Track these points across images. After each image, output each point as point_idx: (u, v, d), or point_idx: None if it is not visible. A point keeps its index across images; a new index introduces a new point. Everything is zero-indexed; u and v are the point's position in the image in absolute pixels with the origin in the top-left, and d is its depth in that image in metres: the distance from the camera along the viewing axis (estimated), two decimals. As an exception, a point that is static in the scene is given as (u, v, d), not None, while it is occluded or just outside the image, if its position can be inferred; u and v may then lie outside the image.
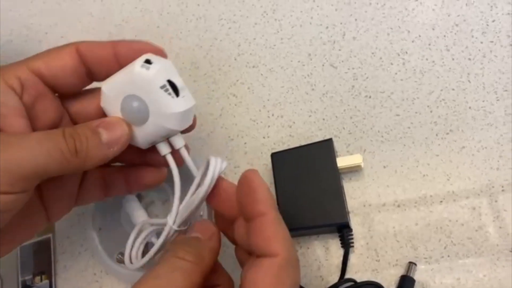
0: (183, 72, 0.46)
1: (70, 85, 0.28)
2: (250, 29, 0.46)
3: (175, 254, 0.25)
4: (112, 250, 0.39)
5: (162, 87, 0.26)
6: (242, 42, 0.45)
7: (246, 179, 0.26)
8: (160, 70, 0.26)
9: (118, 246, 0.39)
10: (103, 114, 0.29)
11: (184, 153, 0.29)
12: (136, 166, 0.33)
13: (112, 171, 0.33)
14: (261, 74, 0.44)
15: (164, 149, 0.29)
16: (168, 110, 0.26)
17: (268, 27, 0.45)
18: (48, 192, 0.29)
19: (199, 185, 0.28)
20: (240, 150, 0.42)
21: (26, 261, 0.42)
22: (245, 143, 0.42)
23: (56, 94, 0.29)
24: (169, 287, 0.23)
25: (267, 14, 0.46)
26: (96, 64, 0.28)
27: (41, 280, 0.42)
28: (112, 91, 0.27)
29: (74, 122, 0.30)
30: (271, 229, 0.25)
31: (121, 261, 0.39)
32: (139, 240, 0.32)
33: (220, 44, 0.46)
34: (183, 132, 0.29)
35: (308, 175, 0.36)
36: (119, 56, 0.28)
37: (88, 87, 0.30)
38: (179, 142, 0.29)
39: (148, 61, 0.26)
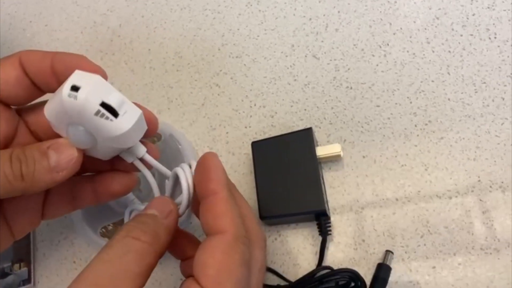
0: (166, 61, 0.46)
1: (17, 96, 0.26)
2: (234, 19, 0.46)
3: (129, 233, 0.23)
4: (96, 225, 0.39)
5: (97, 113, 0.23)
6: (226, 32, 0.45)
7: (203, 159, 0.26)
8: (89, 96, 0.23)
9: (101, 220, 0.39)
10: None
11: (149, 159, 0.28)
12: (104, 174, 0.30)
13: (79, 182, 0.31)
14: (244, 65, 0.44)
15: (129, 158, 0.28)
16: (111, 134, 0.24)
17: (252, 17, 0.45)
18: (10, 208, 0.28)
19: (172, 195, 0.29)
20: (222, 139, 0.42)
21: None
22: (227, 133, 0.42)
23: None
24: (121, 272, 0.22)
25: (251, 5, 0.46)
26: (36, 75, 0.26)
27: (20, 267, 0.41)
28: (54, 118, 0.25)
29: (34, 132, 0.29)
30: (220, 207, 0.25)
31: (104, 235, 0.39)
32: None
33: (204, 34, 0.46)
34: (144, 137, 0.27)
35: (288, 163, 0.36)
36: (55, 69, 0.26)
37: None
38: (139, 151, 0.27)
39: (74, 88, 0.23)
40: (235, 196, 0.27)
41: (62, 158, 0.25)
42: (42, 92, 0.27)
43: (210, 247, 0.24)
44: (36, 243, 0.42)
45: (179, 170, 0.27)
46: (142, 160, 0.28)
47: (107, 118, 0.23)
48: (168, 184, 0.28)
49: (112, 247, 0.23)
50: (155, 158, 0.28)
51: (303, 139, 0.36)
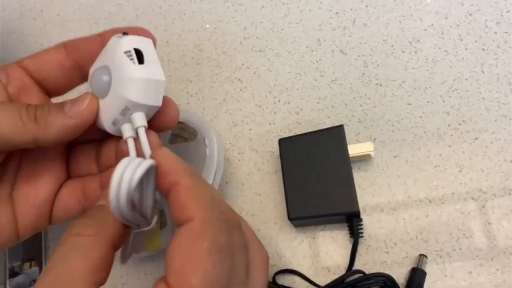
0: (185, 54, 0.44)
1: (56, 79, 0.27)
2: (257, 12, 0.44)
3: (71, 231, 0.22)
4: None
5: (126, 52, 0.24)
6: (249, 25, 0.44)
7: (153, 157, 0.23)
8: (131, 40, 0.24)
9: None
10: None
11: (141, 132, 0.25)
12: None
13: (90, 181, 0.29)
14: (268, 59, 0.42)
15: (127, 131, 0.25)
16: (127, 75, 0.24)
17: (276, 10, 0.44)
18: (20, 193, 0.27)
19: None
20: (245, 136, 0.40)
21: (15, 246, 0.40)
22: (250, 129, 0.40)
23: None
24: (67, 272, 0.20)
25: (274, -2, 0.44)
26: (85, 57, 0.26)
27: (31, 266, 0.39)
28: (92, 69, 0.26)
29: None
30: (184, 196, 0.22)
31: None
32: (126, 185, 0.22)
33: (225, 27, 0.44)
34: (159, 129, 0.26)
35: (317, 162, 0.34)
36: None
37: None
38: (139, 120, 0.25)
39: (125, 33, 0.25)
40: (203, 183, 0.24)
41: (77, 105, 0.24)
42: (83, 80, 0.28)
43: (176, 239, 0.21)
44: (48, 241, 0.40)
45: (122, 162, 0.22)
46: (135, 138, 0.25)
47: (132, 59, 0.24)
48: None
49: (56, 250, 0.21)
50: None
51: (334, 137, 0.34)
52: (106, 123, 0.25)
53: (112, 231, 0.22)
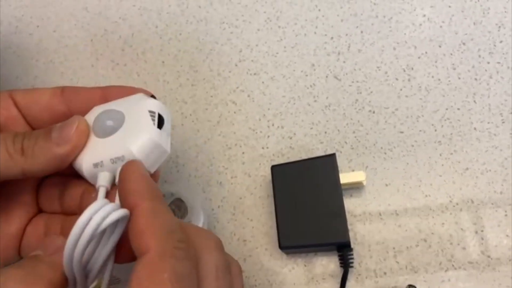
0: (180, 75, 0.44)
1: (43, 120, 0.27)
2: (252, 35, 0.44)
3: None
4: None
5: (151, 112, 0.25)
6: (244, 48, 0.44)
7: (121, 170, 0.23)
8: (158, 104, 0.25)
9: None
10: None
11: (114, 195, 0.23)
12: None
13: (53, 221, 0.27)
14: (262, 82, 0.42)
15: (104, 180, 0.24)
16: (142, 130, 0.24)
17: (271, 34, 0.44)
18: None
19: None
20: (238, 159, 0.40)
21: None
22: (243, 153, 0.40)
23: None
24: None
25: (270, 21, 0.45)
26: (80, 107, 0.26)
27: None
28: (101, 107, 0.26)
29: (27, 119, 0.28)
30: (141, 221, 0.20)
31: None
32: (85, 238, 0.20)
33: (220, 49, 0.45)
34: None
35: (309, 190, 0.34)
36: (109, 98, 0.27)
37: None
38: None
39: (153, 97, 0.27)
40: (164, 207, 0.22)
41: (64, 129, 0.24)
42: None
43: (135, 274, 0.19)
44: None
45: (95, 204, 0.20)
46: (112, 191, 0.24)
47: (153, 120, 0.24)
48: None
49: None
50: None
51: (326, 166, 0.35)
52: (87, 162, 0.24)
53: (49, 280, 0.20)
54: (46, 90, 0.27)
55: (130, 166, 0.23)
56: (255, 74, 0.43)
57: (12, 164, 0.23)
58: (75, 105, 0.26)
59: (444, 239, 0.34)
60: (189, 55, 0.45)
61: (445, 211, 0.35)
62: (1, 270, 0.20)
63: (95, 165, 0.24)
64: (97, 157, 0.24)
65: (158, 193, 0.22)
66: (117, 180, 0.23)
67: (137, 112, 0.24)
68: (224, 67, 0.44)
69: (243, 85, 0.43)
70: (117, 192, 0.23)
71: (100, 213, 0.19)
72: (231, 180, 0.40)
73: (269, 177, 0.38)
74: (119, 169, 0.23)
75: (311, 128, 0.40)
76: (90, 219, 0.19)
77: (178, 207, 0.37)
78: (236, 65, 0.44)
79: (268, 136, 0.40)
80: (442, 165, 0.37)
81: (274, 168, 0.36)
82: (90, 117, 0.25)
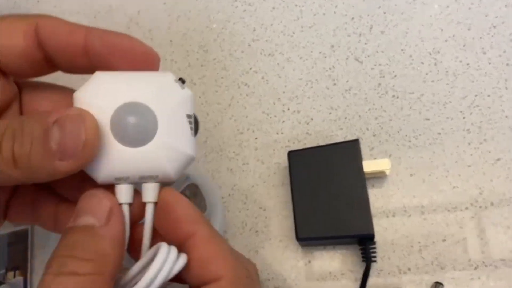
0: (189, 54, 0.41)
1: (21, 70, 0.21)
2: (267, 13, 0.42)
3: (61, 268, 0.17)
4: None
5: (189, 116, 0.20)
6: (258, 27, 0.41)
7: (161, 201, 0.20)
8: (191, 98, 0.21)
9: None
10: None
11: (150, 209, 0.21)
12: (69, 205, 0.23)
13: (44, 199, 0.24)
14: (277, 64, 0.40)
15: (126, 195, 0.20)
16: (182, 147, 0.20)
17: (287, 12, 0.41)
18: None
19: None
20: (250, 145, 0.37)
21: (1, 253, 0.37)
22: (255, 138, 0.38)
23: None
24: None
25: (286, -1, 0.42)
26: (58, 52, 0.21)
27: (14, 276, 0.37)
28: (98, 97, 0.19)
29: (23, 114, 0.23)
30: (205, 249, 0.19)
31: None
32: None
33: (233, 28, 0.42)
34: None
35: (330, 178, 0.32)
36: (89, 48, 0.21)
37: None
38: (152, 192, 0.21)
39: (181, 80, 0.21)
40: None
41: (68, 140, 0.18)
42: (54, 69, 0.22)
43: None
44: (34, 249, 0.38)
45: (162, 248, 0.19)
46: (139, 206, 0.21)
47: (191, 128, 0.20)
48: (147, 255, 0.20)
49: None
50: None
51: (348, 152, 0.32)
52: (108, 174, 0.19)
53: (113, 259, 0.18)
54: (16, 29, 0.20)
55: (171, 192, 0.20)
56: (269, 55, 0.40)
57: (7, 178, 0.18)
58: (54, 52, 0.21)
59: (474, 234, 0.32)
60: (198, 34, 0.42)
61: (474, 204, 0.33)
62: (60, 252, 0.17)
63: (118, 179, 0.20)
64: (122, 170, 0.19)
65: (208, 220, 0.21)
66: (144, 197, 0.20)
67: (172, 115, 0.20)
68: (236, 47, 0.41)
69: (256, 66, 0.40)
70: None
71: (167, 266, 0.18)
72: (242, 167, 0.37)
73: (284, 164, 0.36)
74: (146, 185, 0.20)
75: (330, 113, 0.37)
76: (160, 269, 0.18)
77: (194, 194, 0.34)
78: (249, 45, 0.41)
79: (283, 121, 0.38)
80: (471, 154, 0.34)
81: (291, 154, 0.34)
82: (96, 92, 0.20)
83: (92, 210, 0.19)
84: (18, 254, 0.37)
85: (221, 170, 0.37)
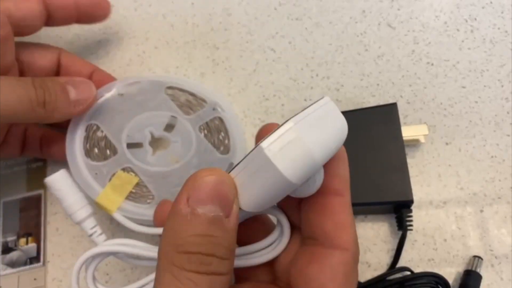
0: (212, 18, 0.40)
1: (33, 28, 0.29)
2: (295, -24, 0.40)
3: (206, 268, 0.16)
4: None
5: None
6: (285, -10, 0.39)
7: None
8: None
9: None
10: (54, 71, 0.31)
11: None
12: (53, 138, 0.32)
13: (33, 130, 0.32)
14: (306, 28, 0.38)
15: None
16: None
17: (316, -24, 0.39)
18: None
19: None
20: (277, 112, 0.36)
21: (11, 219, 0.35)
22: (282, 105, 0.36)
23: None
24: None
25: (315, -37, 0.40)
26: (57, 10, 0.29)
27: (27, 242, 0.35)
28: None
29: (21, 73, 0.30)
30: (344, 215, 0.20)
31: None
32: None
33: (258, -9, 0.40)
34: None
35: (366, 143, 0.30)
36: (78, 4, 0.30)
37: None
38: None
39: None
40: None
41: (81, 94, 0.28)
42: (48, 25, 0.30)
43: (330, 266, 0.19)
44: (48, 215, 0.36)
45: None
46: None
47: None
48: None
49: None
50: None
51: (386, 116, 0.31)
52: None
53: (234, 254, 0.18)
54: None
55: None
56: (297, 19, 0.38)
57: (33, 115, 0.25)
58: (52, 9, 0.29)
59: (513, 205, 0.31)
60: (222, -3, 0.40)
61: (514, 174, 0.31)
62: (188, 247, 0.16)
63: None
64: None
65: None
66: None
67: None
68: (262, 11, 0.39)
69: (283, 31, 0.38)
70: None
71: None
72: (268, 133, 0.35)
73: (313, 131, 0.34)
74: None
75: (361, 80, 0.35)
76: None
77: (217, 127, 0.33)
78: (275, 9, 0.39)
79: (312, 87, 0.36)
80: (510, 123, 0.33)
81: (324, 118, 0.32)
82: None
83: (214, 200, 0.17)
84: (30, 220, 0.36)
85: (246, 137, 0.36)
